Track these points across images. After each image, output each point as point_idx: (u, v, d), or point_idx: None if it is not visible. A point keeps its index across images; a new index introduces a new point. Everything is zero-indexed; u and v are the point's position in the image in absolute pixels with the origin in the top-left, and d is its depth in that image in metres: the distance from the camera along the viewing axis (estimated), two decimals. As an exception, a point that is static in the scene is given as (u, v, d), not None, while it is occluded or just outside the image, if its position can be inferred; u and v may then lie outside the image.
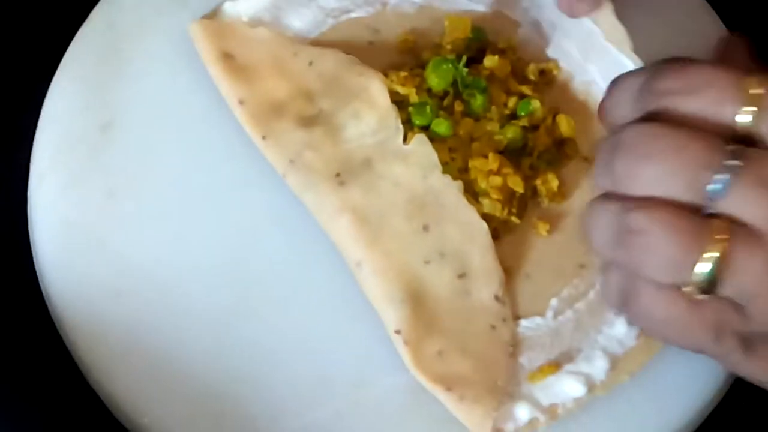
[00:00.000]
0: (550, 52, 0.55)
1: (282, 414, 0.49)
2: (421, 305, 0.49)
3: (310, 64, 0.53)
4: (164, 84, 0.54)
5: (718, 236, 0.38)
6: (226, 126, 0.53)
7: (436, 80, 0.52)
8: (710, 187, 0.38)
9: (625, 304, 0.41)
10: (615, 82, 0.42)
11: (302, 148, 0.51)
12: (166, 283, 0.51)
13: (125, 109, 0.54)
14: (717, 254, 0.38)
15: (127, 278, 0.51)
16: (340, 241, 0.50)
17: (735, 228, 0.38)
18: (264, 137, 0.52)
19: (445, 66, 0.52)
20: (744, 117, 0.38)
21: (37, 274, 0.51)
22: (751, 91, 0.38)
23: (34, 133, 0.53)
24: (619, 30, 0.50)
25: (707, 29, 0.57)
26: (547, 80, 0.54)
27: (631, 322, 0.43)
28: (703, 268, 0.38)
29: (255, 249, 0.51)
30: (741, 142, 0.39)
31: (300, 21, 0.55)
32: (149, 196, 0.52)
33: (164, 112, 0.54)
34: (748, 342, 0.40)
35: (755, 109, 0.38)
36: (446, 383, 0.48)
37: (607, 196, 0.40)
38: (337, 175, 0.51)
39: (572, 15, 0.50)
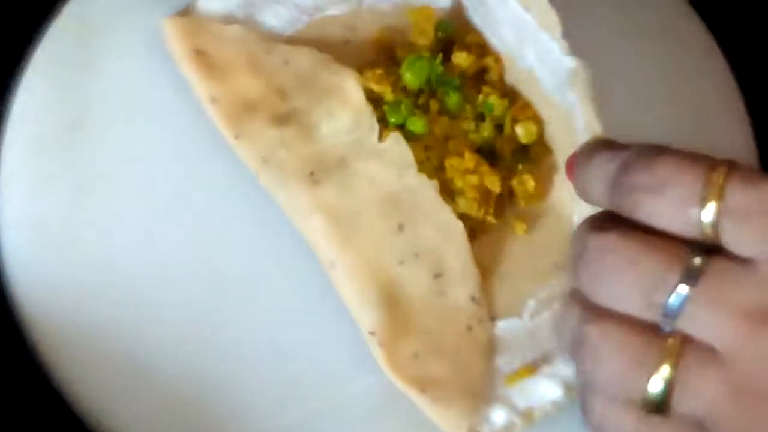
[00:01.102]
0: (494, 42, 0.54)
1: (254, 416, 0.48)
2: (396, 306, 0.49)
3: (285, 62, 0.52)
4: (136, 81, 0.53)
5: (669, 356, 0.37)
6: (199, 124, 0.52)
7: (411, 78, 0.52)
8: (666, 305, 0.37)
9: (582, 410, 0.40)
10: (588, 154, 0.40)
11: (275, 147, 0.51)
12: (137, 284, 0.50)
13: (96, 106, 0.53)
14: (667, 374, 0.37)
15: (97, 279, 0.50)
16: (313, 241, 0.50)
17: (689, 347, 0.37)
18: (237, 136, 0.51)
19: (419, 63, 0.52)
20: (707, 218, 0.37)
21: (4, 274, 0.50)
22: (716, 188, 0.36)
23: (1, 131, 0.52)
24: (551, 16, 0.49)
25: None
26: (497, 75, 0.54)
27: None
28: (654, 387, 0.37)
29: (228, 249, 0.51)
30: (709, 244, 0.37)
31: (275, 18, 0.54)
32: (120, 195, 0.51)
33: (136, 110, 0.53)
34: None
35: (716, 209, 0.36)
36: (421, 385, 0.48)
37: (577, 294, 0.39)
38: (311, 174, 0.50)
39: None
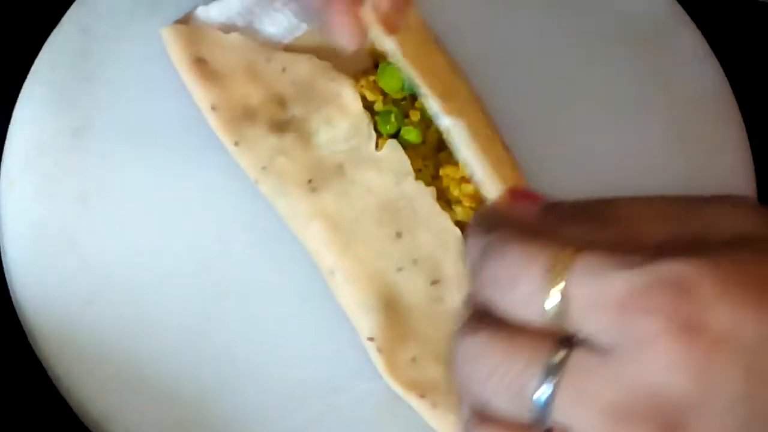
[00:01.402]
0: None
1: (255, 421, 0.48)
2: (394, 312, 0.49)
3: (283, 69, 0.52)
4: (137, 88, 0.54)
5: None
6: (199, 131, 0.52)
7: (384, 84, 0.52)
8: (535, 404, 0.35)
9: None
10: (469, 230, 0.38)
11: (274, 155, 0.51)
12: (139, 290, 0.50)
13: (98, 113, 0.53)
14: None
15: (99, 285, 0.50)
16: (312, 248, 0.50)
17: None
18: (236, 143, 0.51)
19: (389, 70, 0.52)
20: (554, 311, 0.35)
21: (7, 280, 0.51)
22: (558, 279, 0.35)
23: (4, 137, 0.53)
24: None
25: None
26: None
27: None
28: None
29: (229, 255, 0.51)
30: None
31: (273, 26, 0.54)
32: (122, 201, 0.52)
33: (137, 117, 0.53)
34: None
35: (559, 302, 0.35)
36: (420, 390, 0.48)
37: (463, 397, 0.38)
38: (309, 181, 0.50)
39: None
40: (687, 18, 0.57)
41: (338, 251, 0.49)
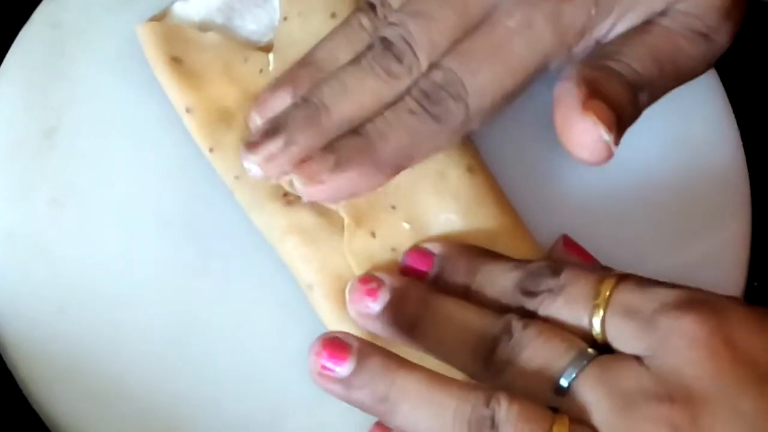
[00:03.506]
0: None
1: (238, 436, 0.47)
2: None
3: (261, 71, 0.50)
4: (112, 87, 0.52)
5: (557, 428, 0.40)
6: (177, 132, 0.51)
7: None
8: (556, 385, 0.42)
9: None
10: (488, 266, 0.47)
11: None
12: (113, 299, 0.49)
13: (70, 113, 0.51)
14: None
15: (72, 293, 0.49)
16: (290, 263, 0.48)
17: (575, 427, 0.40)
18: (211, 149, 0.50)
19: None
20: (595, 318, 0.43)
21: (-25, 289, 0.49)
22: (606, 291, 0.43)
23: (-27, 139, 0.51)
24: None
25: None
26: None
27: None
28: None
29: (207, 264, 0.49)
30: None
31: (254, 23, 0.52)
32: (96, 206, 0.50)
33: (112, 117, 0.52)
34: None
35: (602, 310, 0.43)
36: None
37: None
38: (285, 194, 0.49)
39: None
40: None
41: (316, 268, 0.48)
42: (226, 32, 0.52)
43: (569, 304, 0.43)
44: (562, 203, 0.52)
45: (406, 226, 0.48)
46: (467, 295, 0.46)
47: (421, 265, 0.47)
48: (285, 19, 0.51)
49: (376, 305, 0.45)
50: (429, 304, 0.45)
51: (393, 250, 0.48)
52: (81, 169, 0.51)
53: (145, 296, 0.49)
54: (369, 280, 0.46)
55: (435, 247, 0.47)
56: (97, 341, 0.48)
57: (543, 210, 0.51)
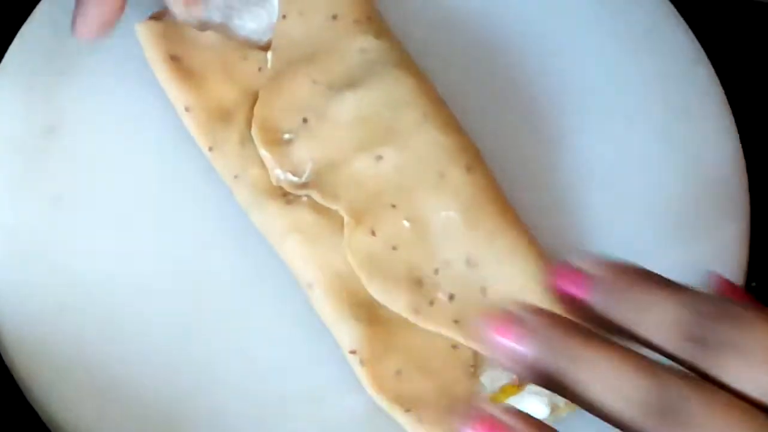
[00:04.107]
0: None
1: (239, 436, 0.47)
2: (376, 324, 0.47)
3: (259, 69, 0.50)
4: (112, 85, 0.52)
5: None
6: (177, 131, 0.50)
7: None
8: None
9: None
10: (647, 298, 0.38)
11: (247, 164, 0.49)
12: (114, 298, 0.49)
13: (70, 111, 0.51)
14: None
15: (72, 292, 0.49)
16: (289, 262, 0.48)
17: None
18: (210, 148, 0.50)
19: None
20: None
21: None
22: None
23: (-27, 137, 0.51)
24: None
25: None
26: None
27: None
28: None
29: (208, 263, 0.49)
30: None
31: (253, 22, 0.52)
32: (96, 204, 0.50)
33: (112, 115, 0.52)
34: None
35: None
36: (405, 404, 0.47)
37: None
38: (285, 194, 0.49)
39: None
40: (680, 18, 0.56)
41: (316, 266, 0.48)
42: (225, 31, 0.52)
43: (752, 368, 0.35)
44: (562, 203, 0.52)
45: (407, 224, 0.48)
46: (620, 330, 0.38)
47: (577, 291, 0.38)
48: (284, 17, 0.51)
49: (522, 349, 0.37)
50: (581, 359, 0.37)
51: (393, 248, 0.48)
52: (81, 167, 0.51)
53: (145, 294, 0.49)
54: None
55: (592, 266, 0.38)
56: (98, 340, 0.48)
57: (543, 210, 0.51)
